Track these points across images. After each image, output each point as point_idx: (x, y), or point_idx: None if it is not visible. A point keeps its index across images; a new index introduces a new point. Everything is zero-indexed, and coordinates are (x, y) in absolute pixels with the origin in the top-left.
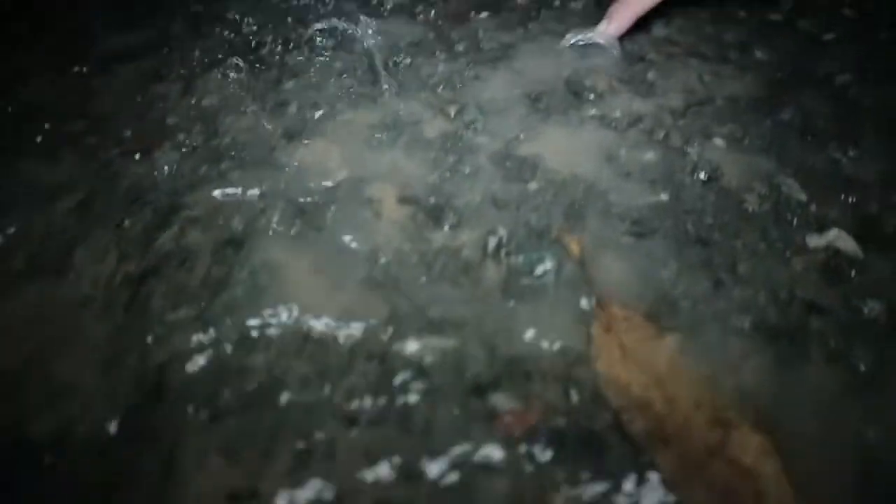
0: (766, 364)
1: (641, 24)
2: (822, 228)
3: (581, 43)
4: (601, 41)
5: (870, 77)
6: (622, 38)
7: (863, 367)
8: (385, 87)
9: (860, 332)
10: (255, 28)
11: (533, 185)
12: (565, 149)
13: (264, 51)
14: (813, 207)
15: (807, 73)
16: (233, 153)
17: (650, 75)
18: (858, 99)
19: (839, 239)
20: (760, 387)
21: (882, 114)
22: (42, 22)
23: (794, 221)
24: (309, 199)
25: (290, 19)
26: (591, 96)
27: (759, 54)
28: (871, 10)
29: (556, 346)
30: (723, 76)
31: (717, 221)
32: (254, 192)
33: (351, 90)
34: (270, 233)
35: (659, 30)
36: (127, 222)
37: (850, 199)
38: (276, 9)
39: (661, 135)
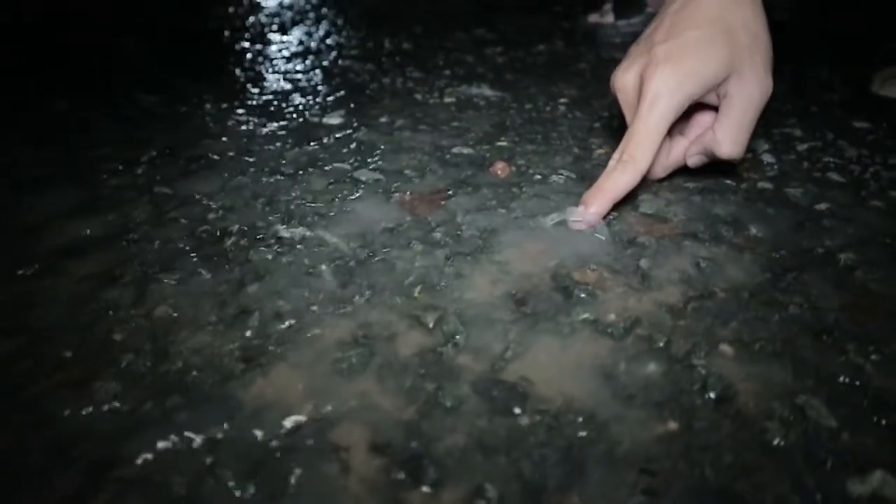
0: None
1: (628, 199)
2: (862, 469)
3: (563, 222)
4: (583, 227)
5: (872, 255)
6: (609, 217)
7: None
8: (357, 291)
9: None
10: (220, 214)
11: (524, 420)
12: (557, 367)
13: (229, 242)
14: (846, 437)
15: (807, 251)
16: (183, 383)
17: (643, 263)
18: (866, 283)
19: (885, 485)
20: None
21: (895, 302)
22: None
23: (829, 461)
24: (266, 448)
25: (259, 203)
26: (582, 294)
27: (753, 230)
28: (857, 173)
29: None
30: (720, 260)
31: (738, 461)
32: (203, 439)
33: (320, 295)
34: (219, 499)
35: (647, 205)
36: (45, 490)
37: (883, 422)
38: (245, 189)
39: (661, 341)
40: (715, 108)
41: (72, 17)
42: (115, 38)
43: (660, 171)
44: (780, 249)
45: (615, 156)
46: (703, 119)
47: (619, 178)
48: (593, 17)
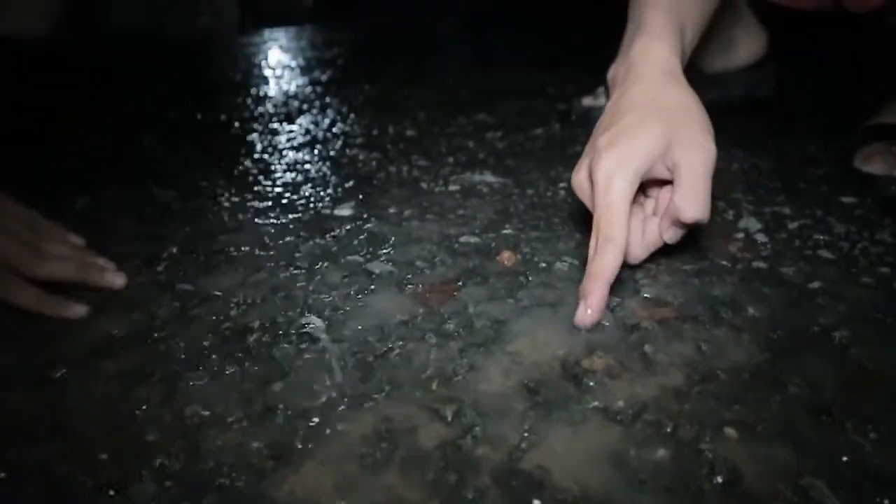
0: None
1: (629, 284)
2: None
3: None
4: (593, 319)
5: (865, 332)
6: (612, 304)
7: None
8: (377, 385)
9: None
10: (242, 310)
11: None
12: (571, 455)
13: (251, 340)
14: None
15: (803, 329)
16: (217, 483)
17: (647, 348)
18: (861, 361)
19: None
20: None
21: (889, 379)
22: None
23: None
24: None
25: (277, 298)
26: (591, 382)
27: (751, 311)
28: (846, 249)
29: None
30: (720, 342)
31: None
32: None
33: (342, 390)
34: None
35: (647, 289)
36: None
37: (885, 501)
38: (264, 284)
39: (669, 426)
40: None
41: (90, 116)
42: (130, 134)
43: (640, 252)
44: (777, 329)
45: (591, 243)
46: (667, 195)
47: (602, 260)
48: (587, 101)
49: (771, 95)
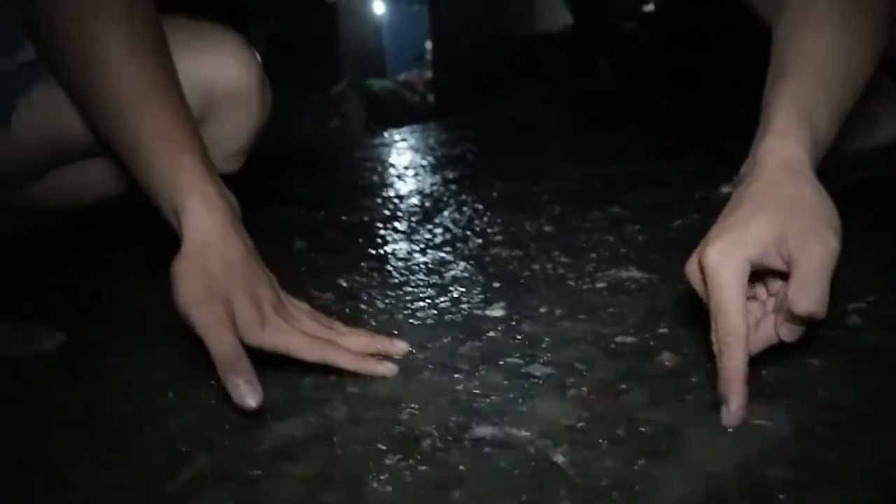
0: None
1: (801, 387)
2: None
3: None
4: (737, 422)
5: None
6: (784, 405)
7: None
8: (556, 494)
9: None
10: (411, 414)
11: None
12: None
13: (426, 444)
14: None
15: None
16: None
17: (830, 455)
18: None
19: None
20: None
21: None
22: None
23: None
24: None
25: (444, 401)
26: (781, 495)
27: None
28: None
29: None
30: None
31: None
32: None
33: (522, 498)
34: None
35: (821, 390)
36: None
37: None
38: (428, 387)
39: None
40: None
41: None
42: (283, 239)
43: (751, 348)
44: None
45: (712, 337)
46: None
47: (730, 359)
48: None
49: None
